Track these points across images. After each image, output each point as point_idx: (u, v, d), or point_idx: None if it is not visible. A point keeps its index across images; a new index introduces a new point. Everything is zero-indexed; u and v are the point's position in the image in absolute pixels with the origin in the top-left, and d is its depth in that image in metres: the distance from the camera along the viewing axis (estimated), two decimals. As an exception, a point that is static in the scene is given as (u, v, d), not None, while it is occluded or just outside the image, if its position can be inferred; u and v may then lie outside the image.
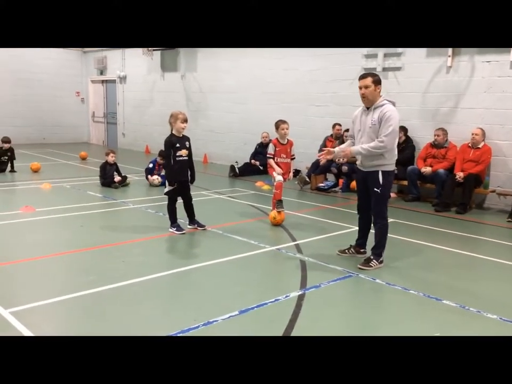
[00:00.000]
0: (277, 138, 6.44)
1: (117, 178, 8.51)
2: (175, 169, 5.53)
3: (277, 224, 6.14)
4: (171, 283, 4.16)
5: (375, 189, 4.48)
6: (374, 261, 4.58)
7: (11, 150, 9.85)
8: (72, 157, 12.65)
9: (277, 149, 6.36)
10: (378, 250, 4.62)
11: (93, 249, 4.95)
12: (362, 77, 4.46)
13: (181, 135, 5.63)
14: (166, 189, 5.62)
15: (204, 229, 5.77)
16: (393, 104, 4.52)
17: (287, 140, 6.41)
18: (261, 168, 10.19)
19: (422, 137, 8.49)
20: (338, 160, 8.97)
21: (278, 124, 6.38)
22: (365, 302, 3.82)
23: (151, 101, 14.59)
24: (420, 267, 4.77)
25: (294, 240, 5.51)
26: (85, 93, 17.20)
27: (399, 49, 8.73)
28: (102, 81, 16.60)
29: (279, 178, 6.28)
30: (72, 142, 16.65)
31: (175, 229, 5.62)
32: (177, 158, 5.53)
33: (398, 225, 6.39)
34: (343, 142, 9.12)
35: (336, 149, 4.75)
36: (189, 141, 5.70)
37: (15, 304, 3.51)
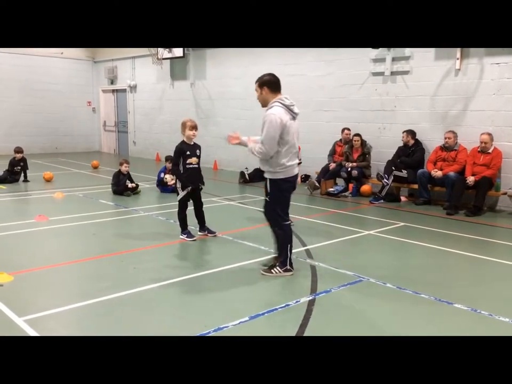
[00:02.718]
0: None
1: (131, 184, 8.60)
2: (186, 176, 5.58)
3: None
4: (182, 289, 4.18)
5: (266, 197, 4.41)
6: (277, 268, 4.45)
7: (24, 160, 9.99)
8: (84, 165, 12.80)
9: None
10: (281, 258, 4.47)
11: (105, 256, 5.01)
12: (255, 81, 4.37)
13: (192, 143, 5.67)
14: (179, 196, 5.68)
15: (214, 235, 5.80)
16: (287, 107, 4.23)
17: None
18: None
19: (432, 140, 8.46)
20: (347, 164, 9.00)
21: None
22: (375, 307, 3.82)
23: (161, 109, 14.73)
24: (431, 271, 4.75)
25: (304, 245, 5.52)
26: (96, 102, 17.41)
27: (407, 53, 8.72)
28: (113, 91, 16.81)
29: None
30: (84, 151, 16.85)
31: (185, 235, 5.67)
32: (187, 166, 5.58)
33: (409, 229, 6.38)
34: (352, 147, 9.16)
35: (245, 138, 4.58)
36: (199, 149, 5.75)
37: (29, 312, 3.56)
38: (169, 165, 9.05)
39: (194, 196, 5.75)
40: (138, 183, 8.96)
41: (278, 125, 4.09)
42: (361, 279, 4.40)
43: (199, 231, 5.88)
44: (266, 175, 4.37)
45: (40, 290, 4.12)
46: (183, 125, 5.64)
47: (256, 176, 10.44)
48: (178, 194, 5.71)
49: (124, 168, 8.75)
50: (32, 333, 3.24)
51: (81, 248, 5.40)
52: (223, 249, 5.39)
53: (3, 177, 9.65)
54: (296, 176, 4.42)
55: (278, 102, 4.21)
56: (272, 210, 4.40)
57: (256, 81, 4.35)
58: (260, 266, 4.71)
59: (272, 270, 4.45)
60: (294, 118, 4.29)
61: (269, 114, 4.15)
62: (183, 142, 5.66)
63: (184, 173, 5.60)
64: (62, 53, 16.17)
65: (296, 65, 10.64)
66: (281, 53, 10.79)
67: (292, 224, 6.38)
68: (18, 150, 9.97)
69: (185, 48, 12.92)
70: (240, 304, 3.88)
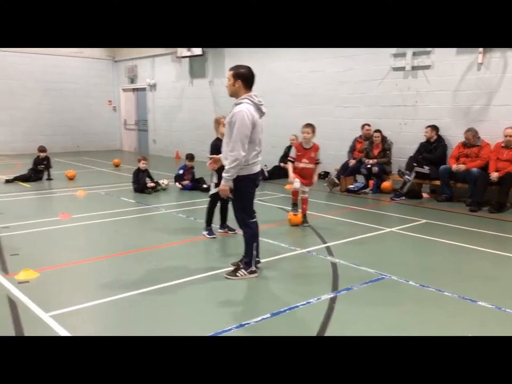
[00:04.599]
0: (300, 142, 6.43)
1: (150, 184, 8.70)
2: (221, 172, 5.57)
3: (294, 225, 6.23)
4: (203, 286, 4.21)
5: (231, 195, 4.30)
6: (242, 270, 4.34)
7: (47, 158, 10.18)
8: (106, 164, 12.98)
9: (298, 153, 6.33)
10: (246, 259, 4.37)
11: (127, 253, 5.08)
12: (229, 68, 4.22)
13: None
14: (212, 191, 5.69)
15: (235, 233, 5.82)
16: (257, 105, 4.13)
17: (312, 144, 6.35)
18: (290, 171, 10.20)
19: (454, 136, 8.32)
20: (368, 161, 8.93)
21: (301, 128, 6.37)
22: (398, 305, 3.79)
23: (180, 107, 14.82)
24: (454, 268, 4.69)
25: (324, 242, 5.50)
26: (116, 101, 17.62)
27: (428, 48, 8.59)
28: (133, 90, 16.98)
29: (295, 185, 6.33)
30: (105, 150, 17.08)
31: (207, 232, 5.70)
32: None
33: (431, 226, 6.30)
34: (372, 143, 9.08)
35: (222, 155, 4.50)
36: None
37: (54, 308, 3.64)
38: (189, 163, 9.11)
39: None
40: (159, 181, 9.04)
41: (249, 122, 4.01)
42: (383, 276, 4.37)
43: (220, 229, 5.91)
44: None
45: (65, 287, 4.20)
46: (217, 122, 5.66)
47: (275, 173, 10.47)
48: (210, 190, 5.72)
49: (142, 165, 8.85)
50: (58, 328, 3.30)
51: (104, 245, 5.48)
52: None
53: (27, 176, 9.84)
54: (258, 173, 4.33)
55: (248, 98, 4.11)
56: (236, 208, 4.35)
57: (232, 70, 4.16)
58: (279, 264, 4.71)
59: (237, 273, 4.32)
60: (261, 117, 4.23)
61: (240, 112, 4.01)
62: (217, 138, 5.66)
63: (220, 169, 5.58)
64: (82, 52, 16.41)
65: (315, 61, 10.59)
66: (299, 49, 10.75)
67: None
68: (41, 149, 10.16)
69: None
70: (261, 301, 3.90)
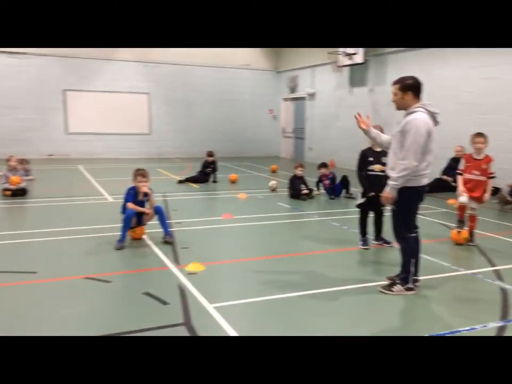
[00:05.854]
0: (471, 153, 5.95)
1: (305, 191, 8.90)
2: (367, 182, 5.51)
3: (458, 243, 5.79)
4: (356, 297, 4.16)
5: (393, 206, 4.11)
6: (398, 285, 4.18)
7: (214, 162, 11.10)
8: (264, 169, 13.65)
9: (467, 164, 5.86)
10: (402, 275, 4.20)
11: (283, 256, 5.26)
12: (393, 82, 4.09)
13: (379, 149, 5.43)
14: (358, 201, 5.66)
15: (390, 246, 5.63)
16: (432, 113, 3.95)
17: (485, 155, 5.82)
18: (454, 184, 9.47)
19: None
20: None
21: (472, 138, 5.89)
22: None
23: (337, 116, 14.88)
24: None
25: (493, 265, 5.00)
26: (277, 110, 18.43)
27: None
28: (292, 99, 17.58)
29: (461, 199, 5.85)
30: (264, 156, 17.98)
31: (361, 243, 5.63)
32: (368, 172, 5.50)
33: None
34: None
35: (374, 131, 4.43)
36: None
37: (217, 300, 3.95)
38: (324, 171, 9.20)
39: (374, 203, 5.57)
40: (313, 188, 9.20)
41: (425, 132, 3.88)
42: None
43: (374, 240, 5.78)
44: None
45: (226, 282, 4.53)
46: None
47: (437, 186, 9.82)
48: (357, 199, 5.70)
49: (298, 172, 9.10)
50: (220, 319, 3.58)
51: (261, 247, 5.78)
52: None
53: (196, 178, 10.86)
54: (425, 186, 4.08)
55: (422, 107, 3.97)
56: (396, 220, 4.18)
57: (397, 83, 4.06)
58: (435, 284, 4.42)
59: (393, 288, 4.18)
60: (435, 126, 4.02)
61: (414, 120, 3.90)
62: (369, 147, 5.59)
63: (366, 178, 5.52)
64: (249, 65, 17.55)
65: (486, 67, 9.71)
66: (469, 55, 9.97)
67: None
68: (209, 154, 11.13)
69: (366, 55, 12.85)
70: (419, 320, 3.71)
